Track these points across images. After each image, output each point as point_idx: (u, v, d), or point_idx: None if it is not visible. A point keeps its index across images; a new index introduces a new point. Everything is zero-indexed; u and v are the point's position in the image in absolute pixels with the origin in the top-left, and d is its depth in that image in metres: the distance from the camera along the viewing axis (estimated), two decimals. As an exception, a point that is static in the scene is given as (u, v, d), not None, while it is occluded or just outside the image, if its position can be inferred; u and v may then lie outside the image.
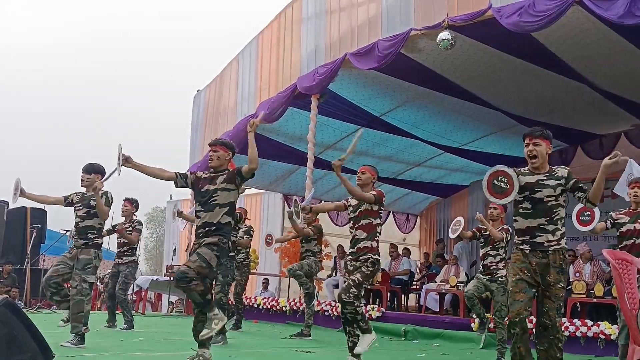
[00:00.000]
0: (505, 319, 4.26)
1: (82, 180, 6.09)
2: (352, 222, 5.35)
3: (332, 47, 10.50)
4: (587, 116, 11.94)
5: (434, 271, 12.05)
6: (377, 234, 5.32)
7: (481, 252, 6.70)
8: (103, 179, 6.07)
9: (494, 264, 6.49)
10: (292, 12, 11.47)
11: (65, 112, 69.43)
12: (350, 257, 5.31)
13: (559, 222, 4.20)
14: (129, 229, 8.21)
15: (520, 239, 4.25)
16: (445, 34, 8.51)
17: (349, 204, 5.43)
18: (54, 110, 68.66)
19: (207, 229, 4.81)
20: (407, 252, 13.03)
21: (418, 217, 16.67)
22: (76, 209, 6.14)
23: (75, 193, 6.23)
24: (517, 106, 11.61)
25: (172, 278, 12.59)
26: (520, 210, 4.28)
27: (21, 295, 11.96)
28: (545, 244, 4.16)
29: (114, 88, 76.95)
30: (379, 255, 5.34)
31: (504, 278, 6.33)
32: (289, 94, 11.02)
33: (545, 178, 4.24)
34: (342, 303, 5.13)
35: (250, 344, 7.17)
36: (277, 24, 11.82)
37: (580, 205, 5.79)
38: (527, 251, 4.19)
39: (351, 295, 5.09)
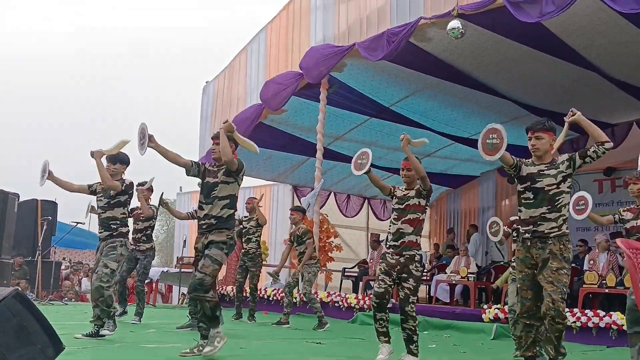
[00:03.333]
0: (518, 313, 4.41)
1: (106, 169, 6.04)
2: (396, 213, 5.14)
3: (341, 37, 10.45)
4: (598, 105, 11.83)
5: (444, 262, 12.02)
6: (421, 230, 5.22)
7: (514, 247, 6.53)
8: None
9: None
10: (301, 2, 11.42)
11: (70, 103, 69.56)
12: (391, 249, 5.09)
13: (562, 208, 4.34)
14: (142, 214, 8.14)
15: (524, 228, 4.40)
16: (455, 23, 8.44)
17: (394, 192, 5.22)
18: (61, 100, 68.73)
19: (208, 221, 4.90)
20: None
21: (428, 208, 16.60)
22: (97, 199, 6.17)
23: (98, 183, 6.18)
24: (528, 95, 11.52)
25: (182, 270, 12.74)
26: (523, 201, 4.43)
27: (33, 288, 12.02)
28: (546, 232, 4.29)
29: (121, 79, 76.93)
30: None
31: None
32: (292, 80, 11.00)
33: (546, 168, 4.39)
34: (405, 316, 4.90)
35: (261, 335, 7.18)
36: (285, 14, 11.77)
37: (575, 196, 5.83)
38: (529, 242, 4.35)
39: (413, 306, 4.94)
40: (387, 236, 5.28)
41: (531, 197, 4.36)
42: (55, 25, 78.78)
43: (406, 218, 5.08)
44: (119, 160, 6.17)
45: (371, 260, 12.05)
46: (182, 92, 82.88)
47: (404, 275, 4.98)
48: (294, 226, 8.74)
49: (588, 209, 5.81)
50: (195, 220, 5.41)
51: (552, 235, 4.28)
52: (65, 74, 71.41)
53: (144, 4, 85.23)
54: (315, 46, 10.73)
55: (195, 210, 6.01)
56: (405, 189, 5.22)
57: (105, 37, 78.75)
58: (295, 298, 9.45)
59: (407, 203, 5.12)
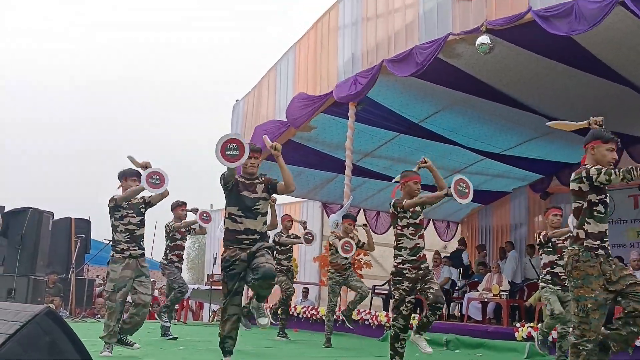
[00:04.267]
0: (574, 337, 4.00)
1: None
2: (412, 229, 5.26)
3: (369, 54, 10.46)
4: (631, 119, 11.62)
5: (475, 279, 11.87)
6: None
7: (546, 259, 6.39)
8: None
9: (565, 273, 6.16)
10: (329, 20, 11.48)
11: (98, 120, 70.58)
12: (408, 264, 5.20)
13: None
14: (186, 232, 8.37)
15: (594, 243, 4.11)
16: (484, 38, 8.40)
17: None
18: (88, 117, 69.71)
19: (252, 236, 4.89)
20: (447, 261, 12.87)
21: (459, 225, 16.45)
22: (129, 215, 6.01)
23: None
24: (559, 110, 11.34)
25: (212, 287, 12.79)
26: (595, 213, 4.15)
27: (66, 305, 12.18)
28: (609, 249, 4.16)
29: (149, 98, 77.77)
30: None
31: None
32: (322, 100, 11.05)
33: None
34: (441, 303, 5.19)
35: (291, 353, 7.15)
36: (314, 32, 11.85)
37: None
38: (602, 258, 4.10)
39: None
40: (401, 251, 5.26)
41: (602, 211, 4.15)
42: (55, 25, 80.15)
43: (420, 233, 5.33)
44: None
45: (401, 278, 11.95)
46: (182, 93, 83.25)
47: (428, 277, 5.22)
48: (340, 235, 8.32)
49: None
50: (220, 237, 5.47)
51: (611, 254, 4.18)
52: (66, 74, 72.84)
53: (143, 3, 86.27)
54: (343, 83, 10.73)
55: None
56: None
57: (104, 36, 79.77)
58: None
59: (420, 218, 5.34)
